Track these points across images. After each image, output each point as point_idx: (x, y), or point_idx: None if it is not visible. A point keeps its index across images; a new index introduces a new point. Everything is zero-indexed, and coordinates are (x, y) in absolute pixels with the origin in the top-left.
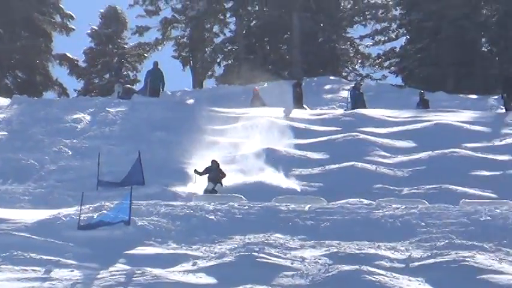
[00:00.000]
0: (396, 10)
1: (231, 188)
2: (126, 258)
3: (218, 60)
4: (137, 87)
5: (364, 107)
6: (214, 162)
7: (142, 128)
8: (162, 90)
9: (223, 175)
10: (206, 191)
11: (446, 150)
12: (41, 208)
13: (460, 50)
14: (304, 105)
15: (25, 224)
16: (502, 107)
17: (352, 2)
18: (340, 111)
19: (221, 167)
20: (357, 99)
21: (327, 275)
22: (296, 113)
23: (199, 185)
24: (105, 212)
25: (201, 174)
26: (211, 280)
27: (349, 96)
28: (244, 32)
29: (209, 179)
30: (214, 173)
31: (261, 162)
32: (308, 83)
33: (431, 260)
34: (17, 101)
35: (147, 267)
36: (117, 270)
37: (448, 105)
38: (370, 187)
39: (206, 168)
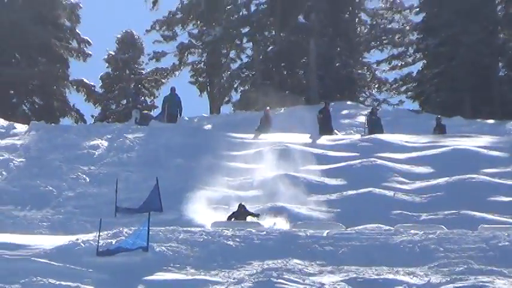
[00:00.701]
0: (413, 35)
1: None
2: (145, 285)
3: (235, 85)
4: (154, 113)
5: (382, 132)
6: (241, 206)
7: (160, 154)
8: (180, 116)
9: (255, 215)
10: None
11: (464, 176)
12: (59, 234)
13: (477, 75)
14: (335, 130)
15: (44, 250)
16: None
17: (368, 27)
18: (358, 136)
19: (240, 192)
20: (374, 124)
21: None
22: (313, 138)
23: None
24: (123, 238)
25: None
26: None
27: (366, 121)
28: (261, 57)
29: None
30: (242, 218)
31: (278, 188)
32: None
33: (450, 285)
34: (35, 127)
35: None
36: None
37: (465, 130)
38: (388, 213)
39: (232, 213)
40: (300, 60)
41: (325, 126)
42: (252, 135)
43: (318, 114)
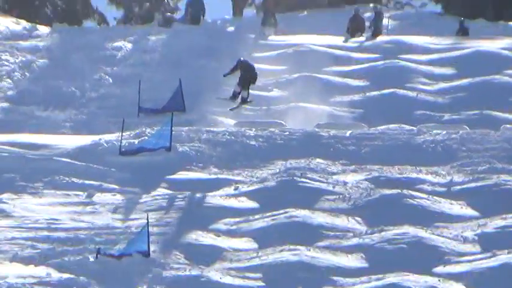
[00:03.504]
0: None
1: (270, 114)
2: (167, 183)
3: None
4: (177, 15)
5: (380, 25)
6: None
7: (182, 56)
8: (203, 18)
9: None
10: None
11: (486, 77)
12: (82, 135)
13: None
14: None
15: (67, 150)
16: None
17: None
18: (380, 38)
19: (263, 93)
20: (375, 20)
21: (369, 198)
22: (337, 40)
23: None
24: (146, 138)
25: (230, 73)
26: (253, 204)
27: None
28: None
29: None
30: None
31: (302, 89)
32: (348, 11)
33: (473, 184)
34: (57, 30)
35: (188, 191)
36: (159, 195)
37: (488, 32)
38: (411, 113)
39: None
40: None
41: (353, 33)
42: (274, 37)
43: (349, 23)
